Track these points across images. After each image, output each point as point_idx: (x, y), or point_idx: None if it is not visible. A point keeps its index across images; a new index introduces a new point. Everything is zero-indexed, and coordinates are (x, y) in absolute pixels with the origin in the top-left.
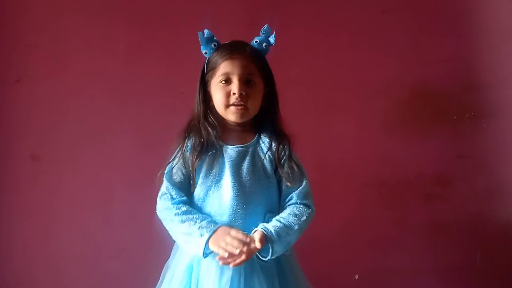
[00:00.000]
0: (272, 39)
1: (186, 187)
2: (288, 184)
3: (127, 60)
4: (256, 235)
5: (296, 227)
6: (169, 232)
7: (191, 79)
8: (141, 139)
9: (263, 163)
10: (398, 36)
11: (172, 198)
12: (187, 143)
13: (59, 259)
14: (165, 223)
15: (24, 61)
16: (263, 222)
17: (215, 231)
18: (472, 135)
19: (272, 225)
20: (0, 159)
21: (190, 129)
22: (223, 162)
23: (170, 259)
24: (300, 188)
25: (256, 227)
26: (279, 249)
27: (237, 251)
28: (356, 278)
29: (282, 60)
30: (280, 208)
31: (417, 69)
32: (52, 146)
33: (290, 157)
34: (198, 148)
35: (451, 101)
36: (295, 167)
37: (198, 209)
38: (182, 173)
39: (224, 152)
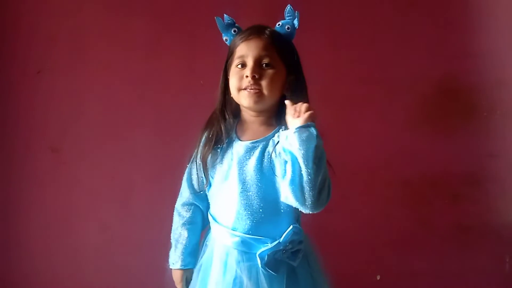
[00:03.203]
0: (296, 22)
1: (203, 185)
2: None
3: (146, 52)
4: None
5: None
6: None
7: (210, 71)
8: (161, 132)
9: (271, 160)
10: (425, 29)
11: (181, 196)
12: (203, 136)
13: (77, 251)
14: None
15: (45, 53)
16: (278, 226)
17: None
18: (502, 133)
19: None
20: (20, 150)
21: (209, 122)
22: (232, 158)
23: (199, 258)
24: None
25: (268, 233)
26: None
27: None
28: (378, 279)
29: (303, 53)
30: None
31: (444, 64)
32: (72, 138)
33: None
34: (209, 140)
35: (480, 97)
36: None
37: (210, 207)
38: (198, 169)
39: (233, 147)
